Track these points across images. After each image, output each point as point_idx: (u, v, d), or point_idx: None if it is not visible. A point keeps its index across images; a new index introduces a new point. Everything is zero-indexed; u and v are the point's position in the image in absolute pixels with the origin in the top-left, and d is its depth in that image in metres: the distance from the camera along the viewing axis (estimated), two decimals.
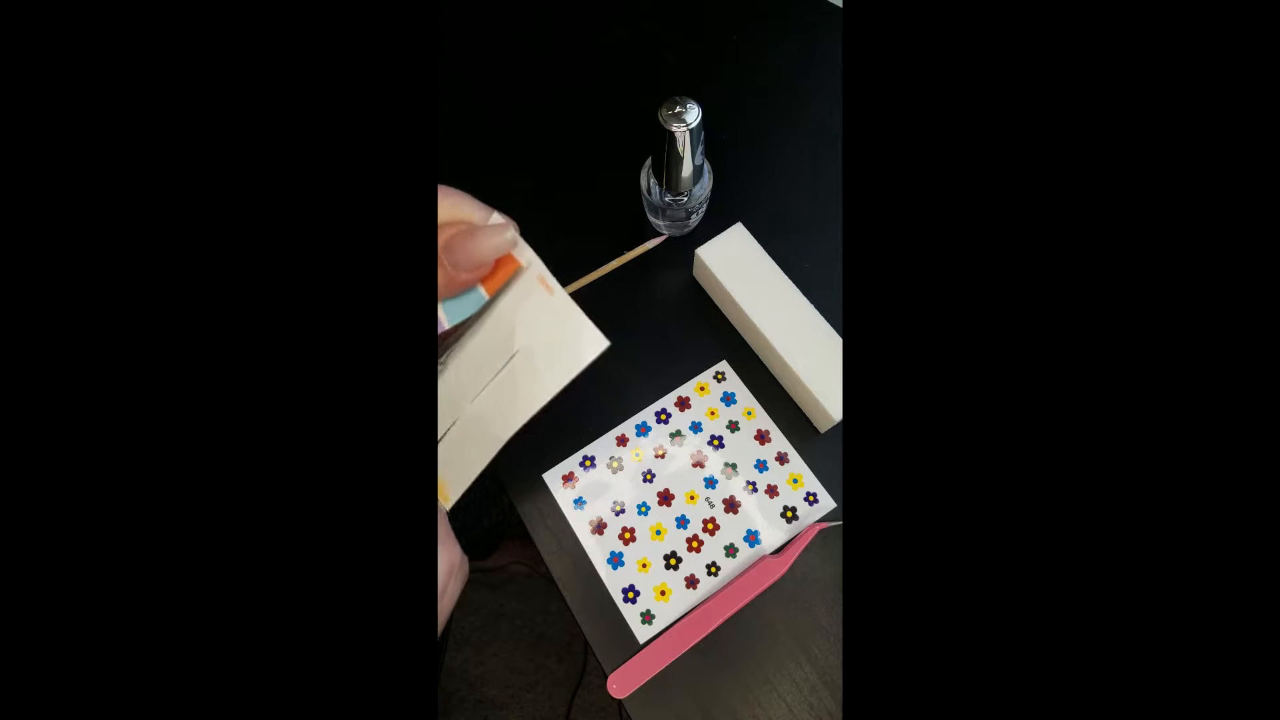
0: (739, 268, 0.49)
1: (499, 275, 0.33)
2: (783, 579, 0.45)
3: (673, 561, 0.46)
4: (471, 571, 0.66)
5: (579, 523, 0.47)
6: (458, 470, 0.38)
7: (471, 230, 0.31)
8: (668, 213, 0.51)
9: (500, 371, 0.36)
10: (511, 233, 0.32)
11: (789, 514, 0.47)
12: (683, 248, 0.53)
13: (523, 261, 0.32)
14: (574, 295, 0.38)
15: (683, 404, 0.49)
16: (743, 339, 0.51)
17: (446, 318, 0.33)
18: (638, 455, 0.48)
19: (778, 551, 0.46)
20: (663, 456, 0.48)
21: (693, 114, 0.42)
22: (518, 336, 0.35)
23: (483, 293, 0.33)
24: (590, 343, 0.33)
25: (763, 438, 0.48)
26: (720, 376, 0.50)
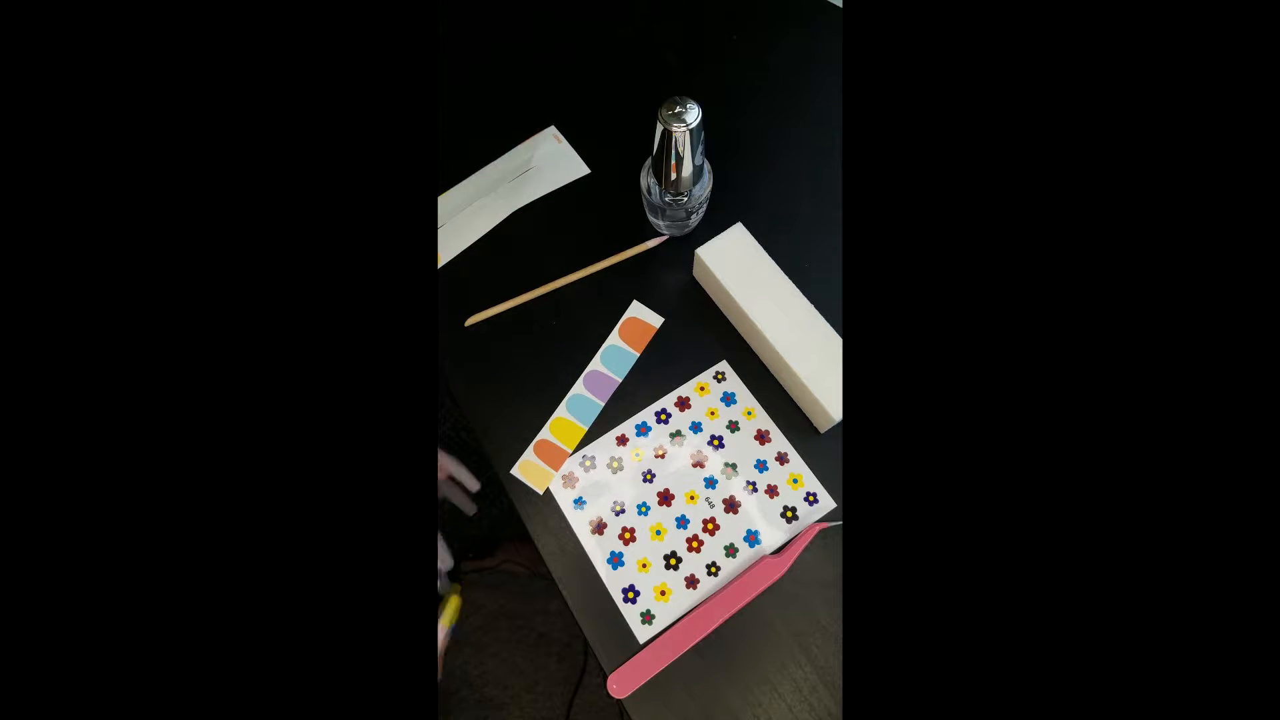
0: (739, 268, 0.49)
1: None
2: (783, 579, 0.45)
3: (673, 561, 0.46)
4: (471, 571, 0.66)
5: (579, 523, 0.47)
6: (453, 245, 0.54)
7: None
8: (668, 213, 0.51)
9: (511, 180, 0.55)
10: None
11: (789, 514, 0.47)
12: (683, 248, 0.53)
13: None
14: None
15: (683, 404, 0.49)
16: (743, 339, 0.51)
17: None
18: (638, 455, 0.48)
19: (778, 551, 0.46)
20: (663, 456, 0.48)
21: (693, 114, 0.42)
22: (534, 160, 0.56)
23: None
24: (577, 170, 0.56)
25: (763, 438, 0.48)
26: (720, 376, 0.50)
